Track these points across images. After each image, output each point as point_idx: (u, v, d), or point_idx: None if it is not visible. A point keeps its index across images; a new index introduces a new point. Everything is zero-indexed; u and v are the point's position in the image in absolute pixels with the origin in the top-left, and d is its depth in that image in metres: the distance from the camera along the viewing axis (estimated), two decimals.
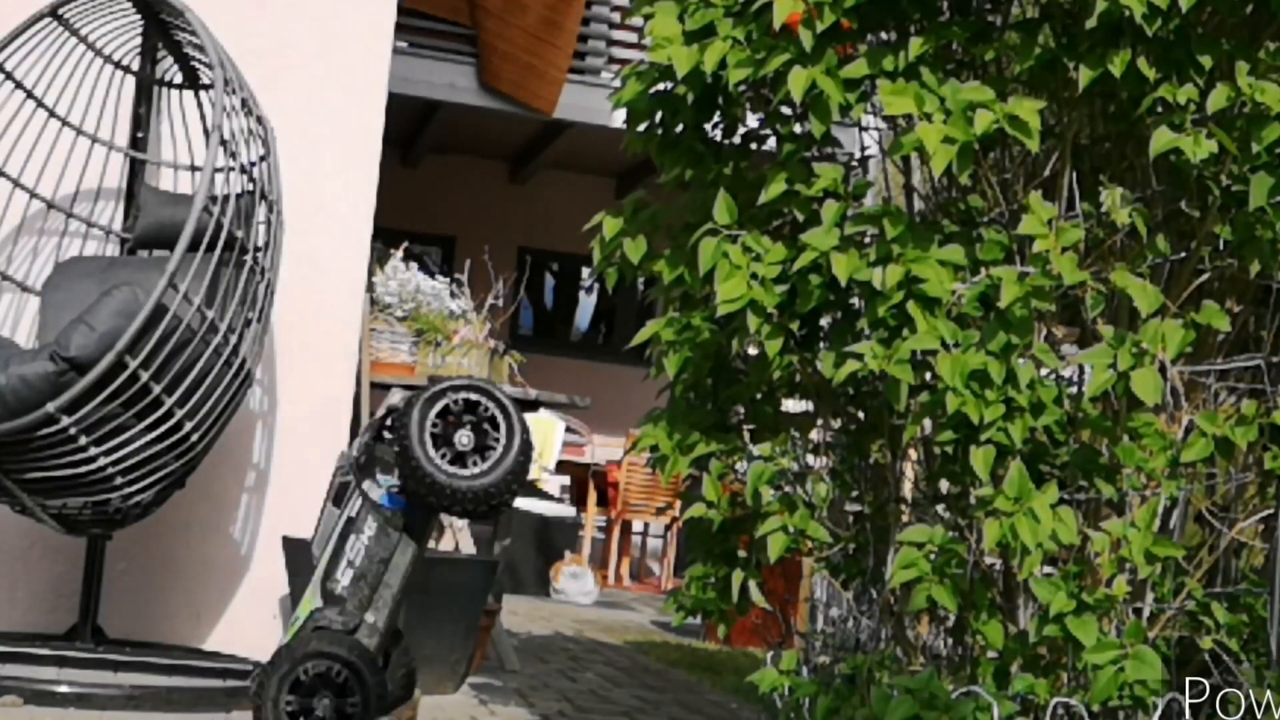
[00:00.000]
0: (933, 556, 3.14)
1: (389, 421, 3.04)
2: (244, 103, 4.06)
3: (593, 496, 9.70)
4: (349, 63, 4.84)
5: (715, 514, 3.56)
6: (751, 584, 3.58)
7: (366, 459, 3.03)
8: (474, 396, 2.90)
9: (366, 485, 2.98)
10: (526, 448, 2.91)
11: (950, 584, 3.13)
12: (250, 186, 4.11)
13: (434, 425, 2.88)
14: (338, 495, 3.07)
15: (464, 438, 2.88)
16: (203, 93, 4.52)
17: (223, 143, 3.92)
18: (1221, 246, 3.38)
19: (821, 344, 3.49)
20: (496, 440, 2.88)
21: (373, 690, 2.86)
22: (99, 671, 3.94)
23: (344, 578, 2.97)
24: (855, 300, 3.37)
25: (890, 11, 3.43)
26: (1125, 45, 3.13)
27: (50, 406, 3.66)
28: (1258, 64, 3.20)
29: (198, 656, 4.30)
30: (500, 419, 2.89)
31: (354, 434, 4.98)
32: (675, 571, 9.60)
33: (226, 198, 3.91)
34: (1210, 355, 3.49)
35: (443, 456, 2.86)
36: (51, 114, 4.48)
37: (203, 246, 3.79)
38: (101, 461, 3.77)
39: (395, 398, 3.03)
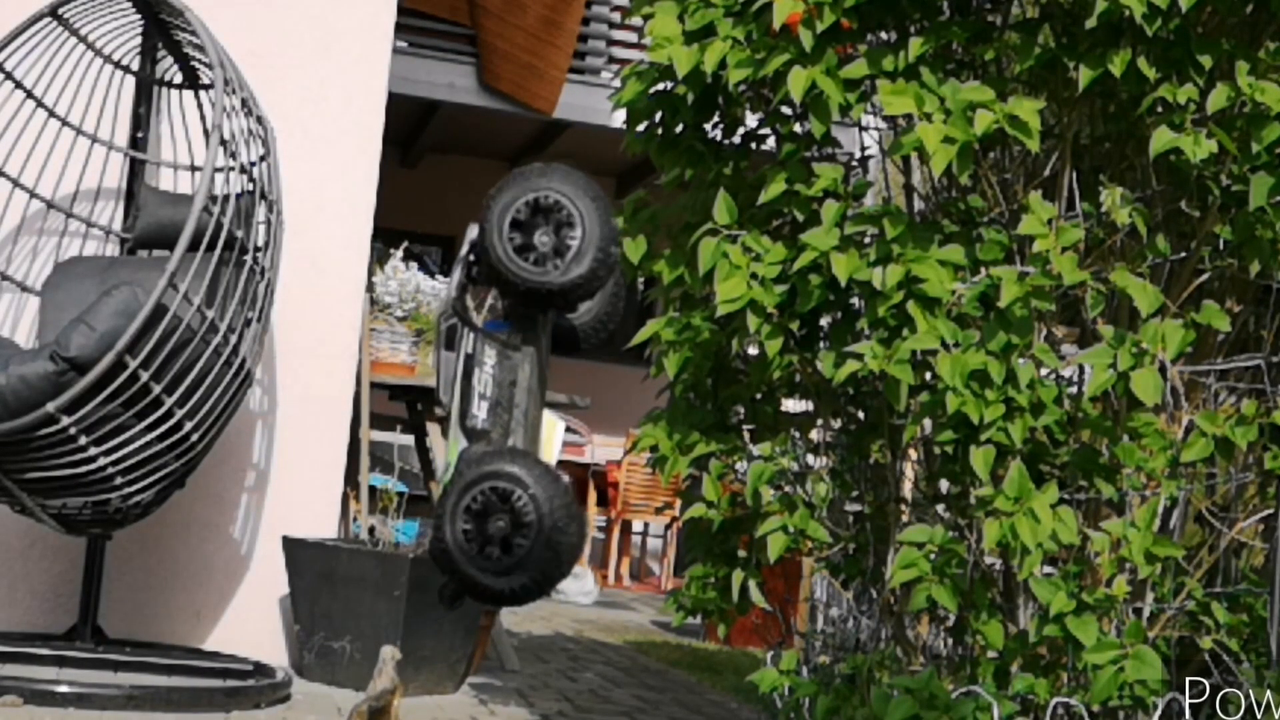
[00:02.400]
0: (933, 556, 3.14)
1: (473, 256, 3.04)
2: (244, 103, 4.05)
3: (593, 496, 9.69)
4: (349, 63, 4.84)
5: (715, 514, 3.56)
6: (751, 584, 3.58)
7: (466, 296, 3.03)
8: (541, 198, 2.91)
9: (473, 319, 2.99)
10: (607, 234, 2.90)
11: (950, 584, 3.13)
12: (250, 186, 4.10)
13: (512, 235, 2.89)
14: (448, 340, 3.07)
15: (543, 238, 2.89)
16: (203, 93, 4.52)
17: (223, 143, 3.92)
18: (1221, 246, 3.38)
19: (821, 344, 3.49)
20: (574, 235, 2.88)
21: (546, 510, 2.78)
22: (99, 671, 3.94)
23: (481, 411, 2.97)
24: (855, 300, 3.37)
25: (890, 11, 3.43)
26: (1125, 45, 3.13)
27: (50, 406, 3.66)
28: (1258, 64, 3.20)
29: (198, 656, 4.30)
30: (574, 213, 2.90)
31: (354, 434, 4.98)
32: (675, 571, 9.60)
33: (226, 198, 3.91)
34: (1210, 355, 3.49)
35: (527, 260, 2.87)
36: (51, 114, 4.48)
37: (203, 246, 3.79)
38: (101, 461, 3.77)
39: (474, 232, 3.02)
